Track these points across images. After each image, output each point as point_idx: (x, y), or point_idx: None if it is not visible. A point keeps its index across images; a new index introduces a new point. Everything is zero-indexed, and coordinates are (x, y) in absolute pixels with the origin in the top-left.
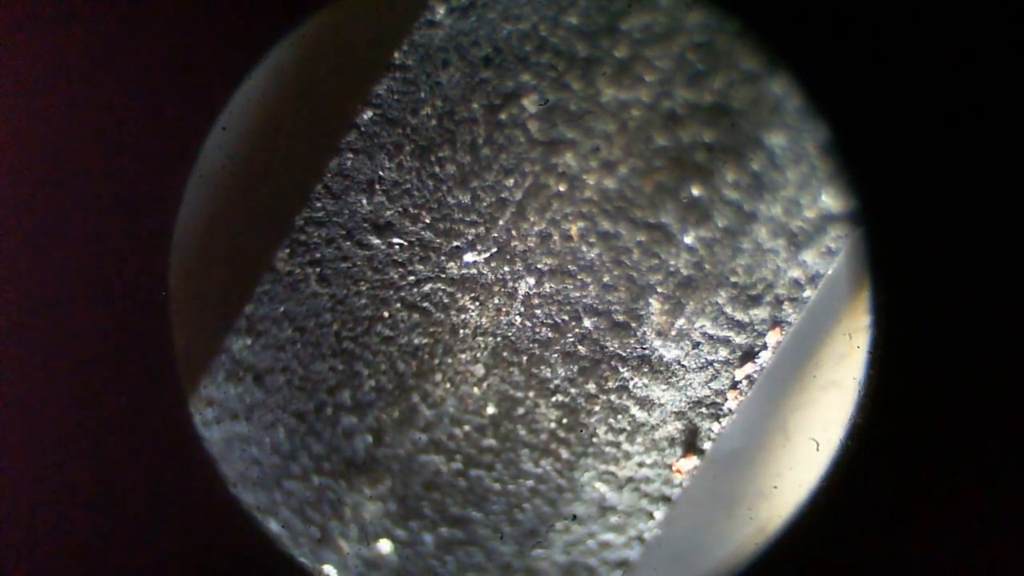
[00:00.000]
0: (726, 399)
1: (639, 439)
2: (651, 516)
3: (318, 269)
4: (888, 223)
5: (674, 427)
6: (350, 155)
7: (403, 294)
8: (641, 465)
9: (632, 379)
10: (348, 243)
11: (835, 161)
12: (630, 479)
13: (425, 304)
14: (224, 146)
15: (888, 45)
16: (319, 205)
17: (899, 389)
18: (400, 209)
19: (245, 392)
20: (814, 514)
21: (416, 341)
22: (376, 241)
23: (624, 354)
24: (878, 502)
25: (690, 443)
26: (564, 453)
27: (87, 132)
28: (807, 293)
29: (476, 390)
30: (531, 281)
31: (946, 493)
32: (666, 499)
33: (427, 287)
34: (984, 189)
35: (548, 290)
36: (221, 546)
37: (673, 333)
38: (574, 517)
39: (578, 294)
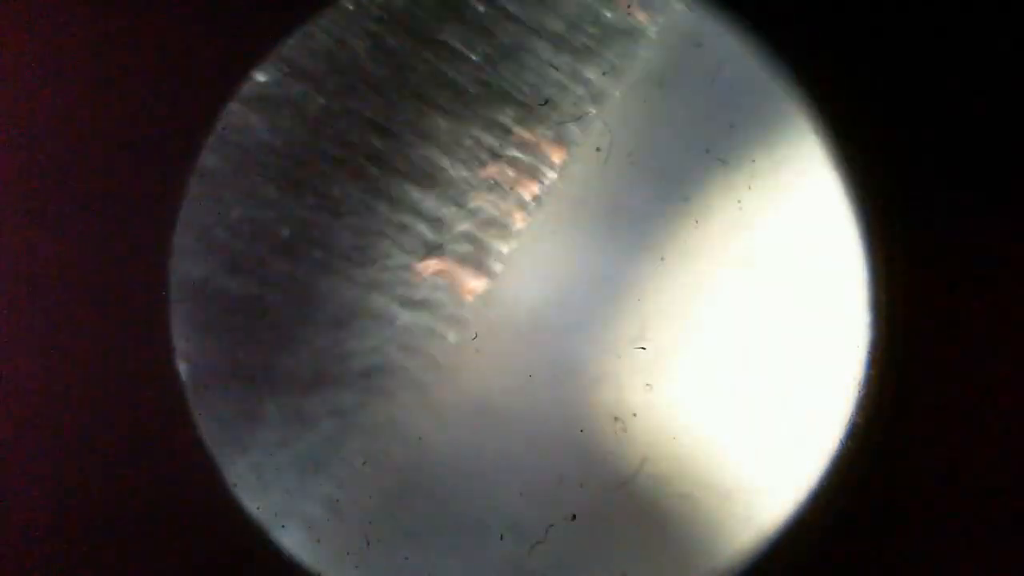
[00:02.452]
0: (514, 219)
1: (429, 260)
2: (444, 338)
3: None
4: (888, 221)
5: (464, 248)
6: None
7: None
8: (434, 288)
9: (420, 199)
10: None
11: (836, 159)
12: (423, 301)
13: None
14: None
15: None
16: None
17: (899, 389)
18: None
19: None
20: (813, 514)
21: (209, 161)
22: None
23: (410, 172)
24: (878, 502)
25: (479, 264)
26: (358, 277)
27: (86, 134)
28: (592, 111)
29: (271, 212)
30: (319, 99)
31: (947, 493)
32: (458, 321)
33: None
34: (984, 187)
35: (335, 107)
36: (221, 546)
37: (460, 152)
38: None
39: (366, 113)
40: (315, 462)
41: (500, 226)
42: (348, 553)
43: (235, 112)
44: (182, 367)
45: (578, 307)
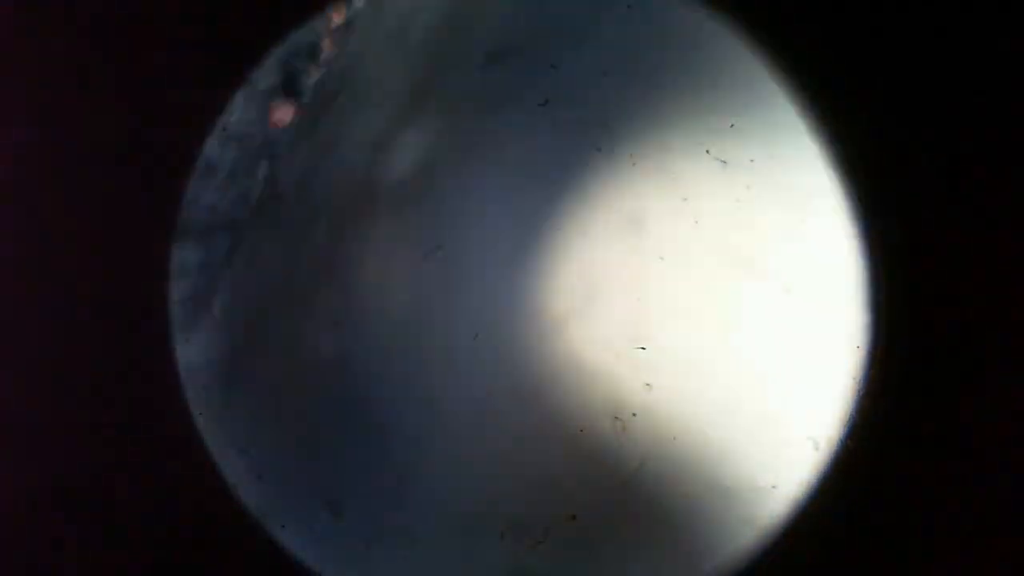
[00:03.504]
0: (323, 46)
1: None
2: (254, 174)
3: None
4: (887, 220)
5: (274, 77)
6: None
7: None
8: (242, 120)
9: None
10: None
11: (835, 158)
12: (236, 133)
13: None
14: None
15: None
16: None
17: (899, 388)
18: None
19: None
20: (814, 514)
21: None
22: None
23: None
24: (878, 502)
25: (289, 90)
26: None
27: (86, 133)
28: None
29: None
30: None
31: (947, 494)
32: (270, 154)
33: None
34: (985, 187)
35: None
36: (221, 546)
37: None
38: None
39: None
40: (315, 462)
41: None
42: (348, 553)
43: (236, 111)
44: (182, 367)
45: (578, 307)
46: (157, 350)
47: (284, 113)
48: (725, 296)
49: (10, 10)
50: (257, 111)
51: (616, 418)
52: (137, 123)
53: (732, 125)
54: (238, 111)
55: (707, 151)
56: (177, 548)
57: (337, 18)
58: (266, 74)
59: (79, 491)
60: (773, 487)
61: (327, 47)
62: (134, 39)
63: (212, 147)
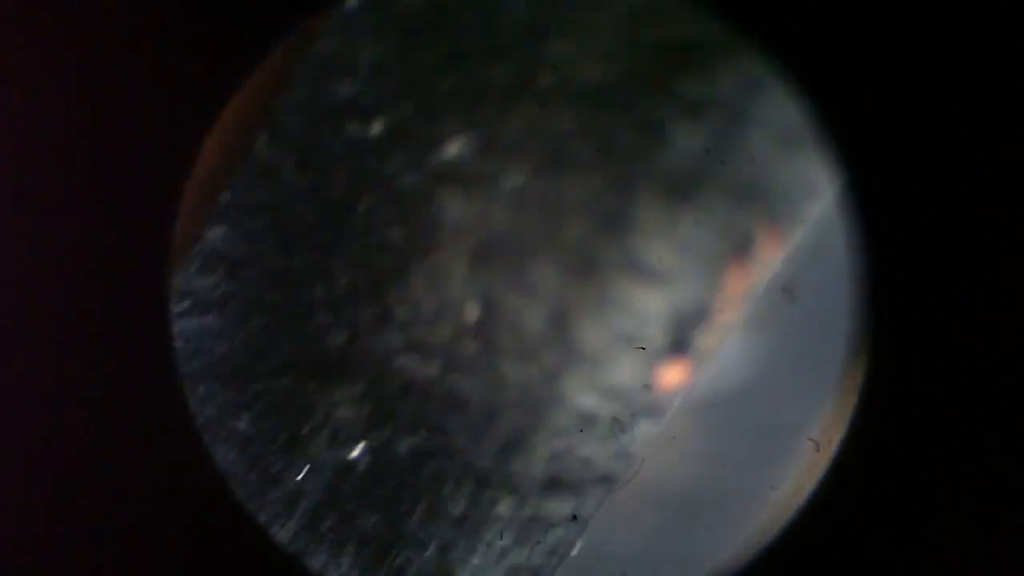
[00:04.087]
0: (716, 307)
1: (625, 349)
2: (634, 429)
3: (295, 156)
4: (887, 221)
5: (661, 337)
6: (331, 40)
7: (382, 185)
8: (626, 376)
9: (620, 285)
10: (327, 129)
11: (835, 158)
12: (614, 389)
13: (404, 196)
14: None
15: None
16: (298, 91)
17: (899, 388)
18: (382, 95)
19: (219, 283)
20: (813, 515)
21: (394, 236)
22: (356, 127)
23: (613, 258)
24: (878, 503)
25: (677, 351)
26: (548, 361)
27: (86, 133)
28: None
29: (456, 291)
30: (518, 177)
31: (947, 494)
32: (650, 412)
33: (407, 178)
34: (985, 187)
35: (535, 186)
36: (220, 546)
37: (665, 237)
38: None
39: (568, 192)
40: (315, 462)
41: (700, 314)
42: (348, 553)
43: (236, 110)
44: (182, 366)
45: (577, 307)
46: (157, 350)
47: (672, 376)
48: (724, 296)
49: (10, 10)
50: None
51: (615, 419)
52: (138, 123)
53: (732, 125)
54: None
55: (707, 150)
56: (176, 548)
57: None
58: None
59: (79, 491)
60: (773, 488)
61: (719, 305)
62: (134, 39)
63: None
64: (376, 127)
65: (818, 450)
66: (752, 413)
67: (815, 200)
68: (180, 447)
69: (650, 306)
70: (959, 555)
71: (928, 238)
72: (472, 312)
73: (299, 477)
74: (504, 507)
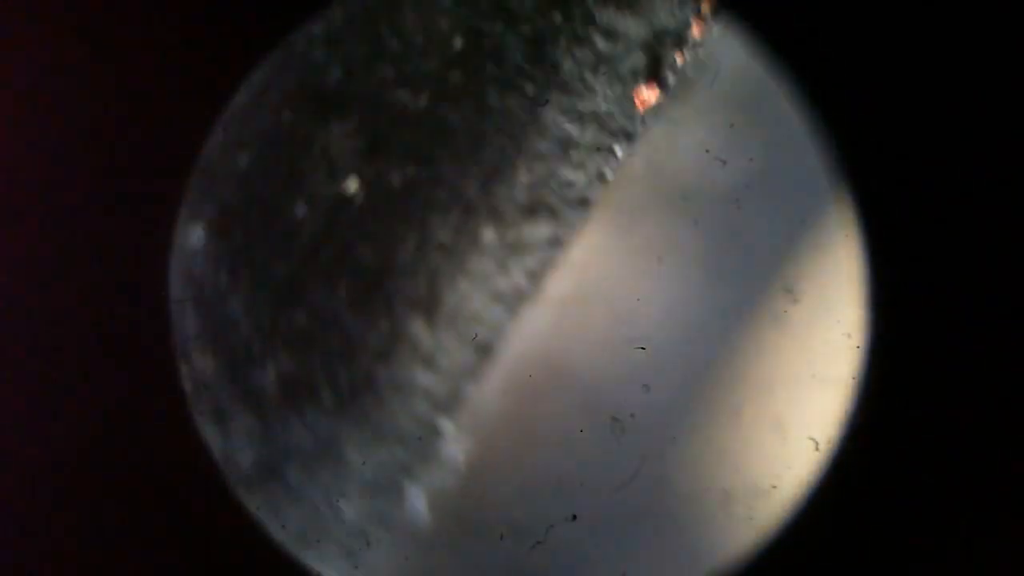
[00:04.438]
0: (690, 28)
1: (603, 71)
2: (613, 152)
3: None
4: (886, 220)
5: (638, 58)
6: None
7: None
8: (605, 99)
9: (597, 8)
10: None
11: (835, 158)
12: (593, 113)
13: None
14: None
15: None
16: None
17: (899, 387)
18: None
19: None
20: (813, 514)
21: None
22: None
23: None
24: (878, 502)
25: (653, 73)
26: (529, 88)
27: (86, 133)
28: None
29: (444, 22)
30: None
31: (947, 493)
32: (628, 135)
33: None
34: (985, 186)
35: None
36: (221, 546)
37: None
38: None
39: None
40: (315, 462)
41: (676, 35)
42: (348, 553)
43: (236, 110)
44: (182, 367)
45: (577, 307)
46: (157, 350)
47: (648, 95)
48: (725, 296)
49: (10, 10)
50: None
51: (615, 419)
52: (139, 122)
53: (732, 125)
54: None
55: (707, 151)
56: (177, 548)
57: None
58: (629, 51)
59: (79, 491)
60: (773, 487)
61: (695, 29)
62: (134, 40)
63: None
64: None
65: (818, 449)
66: (752, 412)
67: None
68: (180, 447)
69: (629, 29)
70: (959, 554)
71: (928, 238)
72: (458, 43)
73: (298, 212)
74: (488, 234)
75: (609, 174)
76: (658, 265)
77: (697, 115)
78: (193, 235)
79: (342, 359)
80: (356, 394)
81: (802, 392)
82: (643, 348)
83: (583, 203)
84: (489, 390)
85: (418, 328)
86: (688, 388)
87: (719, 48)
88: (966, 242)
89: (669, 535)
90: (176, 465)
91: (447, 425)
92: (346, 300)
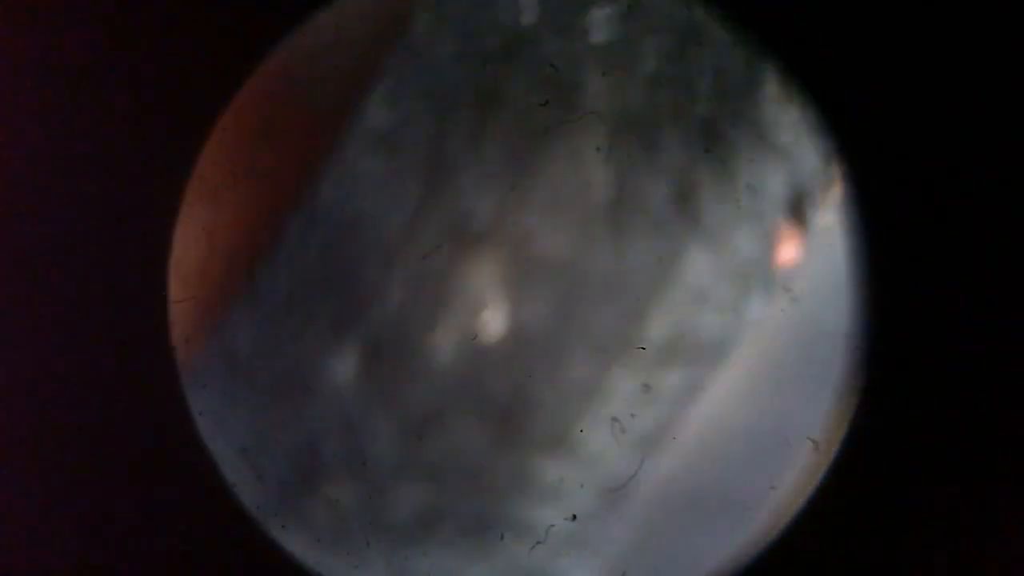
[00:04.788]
0: (832, 187)
1: (744, 224)
2: (751, 300)
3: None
4: (886, 220)
5: (780, 211)
6: None
7: (533, 69)
8: (744, 250)
9: (743, 163)
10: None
11: (835, 158)
12: (733, 263)
13: (551, 79)
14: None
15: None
16: None
17: (898, 387)
18: None
19: (379, 164)
20: (813, 514)
21: (538, 116)
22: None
23: (739, 133)
24: (878, 502)
25: (795, 226)
26: (669, 236)
27: (86, 133)
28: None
29: (593, 173)
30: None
31: (947, 494)
32: (766, 284)
33: (558, 60)
34: (985, 186)
35: (670, 70)
36: (221, 546)
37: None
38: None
39: (697, 72)
40: (315, 462)
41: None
42: (348, 553)
43: (236, 111)
44: (182, 367)
45: (577, 307)
46: (157, 350)
47: (787, 251)
48: (724, 296)
49: (9, 11)
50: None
51: (615, 419)
52: (137, 126)
53: (732, 125)
54: None
55: (707, 151)
56: (177, 548)
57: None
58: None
59: (80, 491)
60: (772, 488)
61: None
62: (133, 41)
63: None
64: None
65: (817, 450)
66: (751, 413)
67: None
68: (180, 448)
69: (770, 179)
70: (959, 555)
71: (928, 238)
72: (605, 193)
73: (437, 345)
74: (622, 377)
75: (747, 321)
76: (658, 265)
77: (697, 115)
78: (341, 366)
79: (470, 493)
80: (481, 529)
81: (801, 392)
82: (643, 348)
83: (720, 349)
84: (488, 390)
85: (546, 467)
86: (688, 388)
87: (719, 48)
88: (966, 242)
89: (669, 535)
90: (176, 465)
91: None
92: (477, 435)
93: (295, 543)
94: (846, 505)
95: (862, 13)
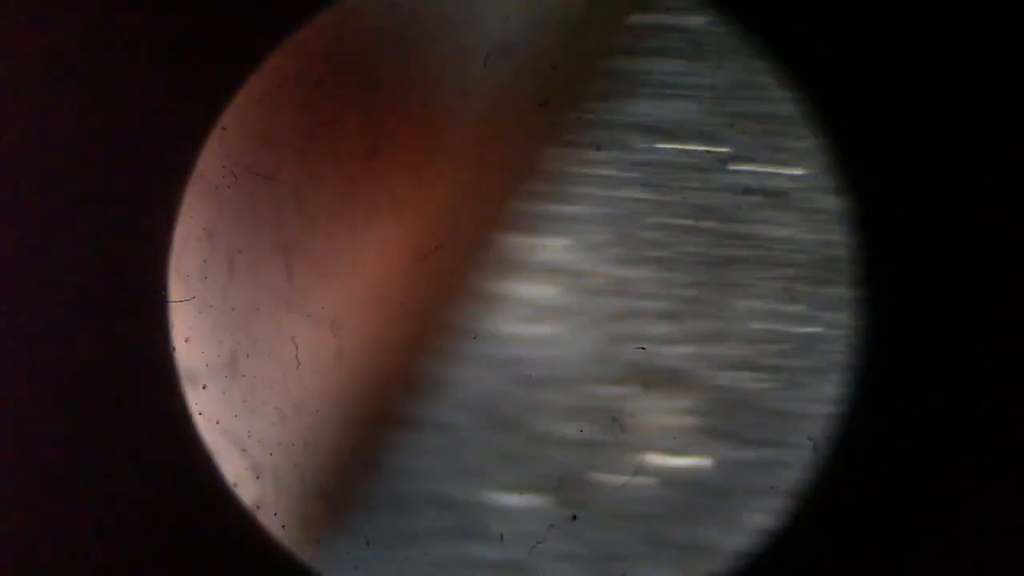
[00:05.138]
0: None
1: None
2: None
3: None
4: (885, 220)
5: None
6: None
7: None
8: None
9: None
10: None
11: (835, 158)
12: None
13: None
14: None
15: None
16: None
17: (898, 387)
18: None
19: (558, 295)
20: (812, 514)
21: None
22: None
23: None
24: (876, 502)
25: None
26: None
27: (86, 133)
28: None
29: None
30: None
31: (947, 494)
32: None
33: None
34: (985, 186)
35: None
36: (220, 546)
37: None
38: None
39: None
40: (315, 461)
41: None
42: (348, 553)
43: (236, 111)
44: (182, 367)
45: (577, 307)
46: (157, 350)
47: None
48: (724, 296)
49: (9, 11)
50: None
51: (615, 419)
52: (137, 126)
53: (732, 125)
54: None
55: (707, 151)
56: (177, 548)
57: None
58: None
59: (79, 491)
60: (772, 487)
61: None
62: (134, 41)
63: None
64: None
65: (816, 449)
66: (751, 412)
67: None
68: (181, 448)
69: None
70: (958, 555)
71: (928, 238)
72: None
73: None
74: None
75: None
76: (658, 265)
77: (697, 115)
78: None
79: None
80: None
81: (801, 392)
82: (643, 348)
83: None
84: (488, 390)
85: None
86: (688, 388)
87: (719, 48)
88: (966, 242)
89: (669, 535)
90: (176, 465)
91: None
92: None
93: (295, 543)
94: (846, 505)
95: (862, 13)
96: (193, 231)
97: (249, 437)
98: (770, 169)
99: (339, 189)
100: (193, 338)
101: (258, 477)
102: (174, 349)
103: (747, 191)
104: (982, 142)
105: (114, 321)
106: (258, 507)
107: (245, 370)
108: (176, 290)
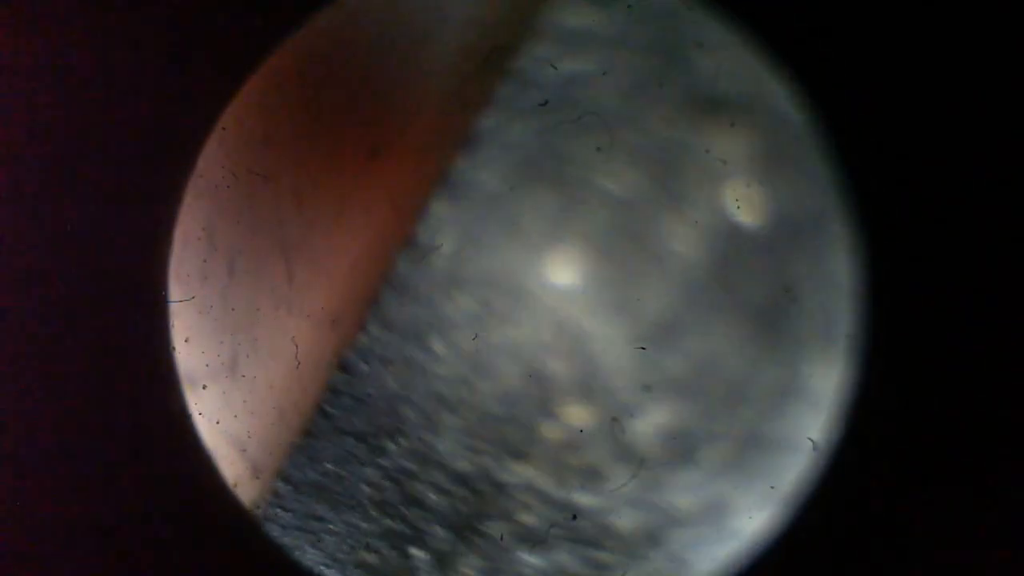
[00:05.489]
0: None
1: None
2: None
3: None
4: (884, 221)
5: None
6: None
7: None
8: None
9: None
10: None
11: (835, 158)
12: None
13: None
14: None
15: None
16: None
17: (899, 387)
18: None
19: None
20: (812, 514)
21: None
22: None
23: None
24: (878, 504)
25: None
26: None
27: (85, 133)
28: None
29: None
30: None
31: (947, 494)
32: None
33: None
34: (984, 186)
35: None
36: (220, 546)
37: None
38: None
39: None
40: (315, 461)
41: None
42: (347, 552)
43: (236, 111)
44: (182, 367)
45: (577, 307)
46: (157, 350)
47: None
48: (724, 296)
49: (10, 12)
50: None
51: (614, 419)
52: (137, 125)
53: (732, 125)
54: None
55: (707, 151)
56: (176, 548)
57: None
58: None
59: (78, 491)
60: (772, 488)
61: None
62: (133, 41)
63: None
64: None
65: (816, 449)
66: (751, 412)
67: None
68: (181, 448)
69: None
70: (959, 555)
71: (928, 238)
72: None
73: None
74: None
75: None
76: (658, 265)
77: (697, 115)
78: None
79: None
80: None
81: (801, 392)
82: (643, 348)
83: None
84: (488, 391)
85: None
86: (688, 388)
87: (719, 48)
88: (966, 242)
89: (668, 535)
90: (176, 465)
91: None
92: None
93: (294, 543)
94: (846, 505)
95: (862, 14)
96: (193, 231)
97: (249, 437)
98: None
99: (339, 190)
100: (193, 339)
101: (258, 477)
102: (174, 350)
103: (746, 187)
104: (982, 142)
105: (114, 321)
106: (258, 507)
107: (245, 371)
108: (176, 291)
